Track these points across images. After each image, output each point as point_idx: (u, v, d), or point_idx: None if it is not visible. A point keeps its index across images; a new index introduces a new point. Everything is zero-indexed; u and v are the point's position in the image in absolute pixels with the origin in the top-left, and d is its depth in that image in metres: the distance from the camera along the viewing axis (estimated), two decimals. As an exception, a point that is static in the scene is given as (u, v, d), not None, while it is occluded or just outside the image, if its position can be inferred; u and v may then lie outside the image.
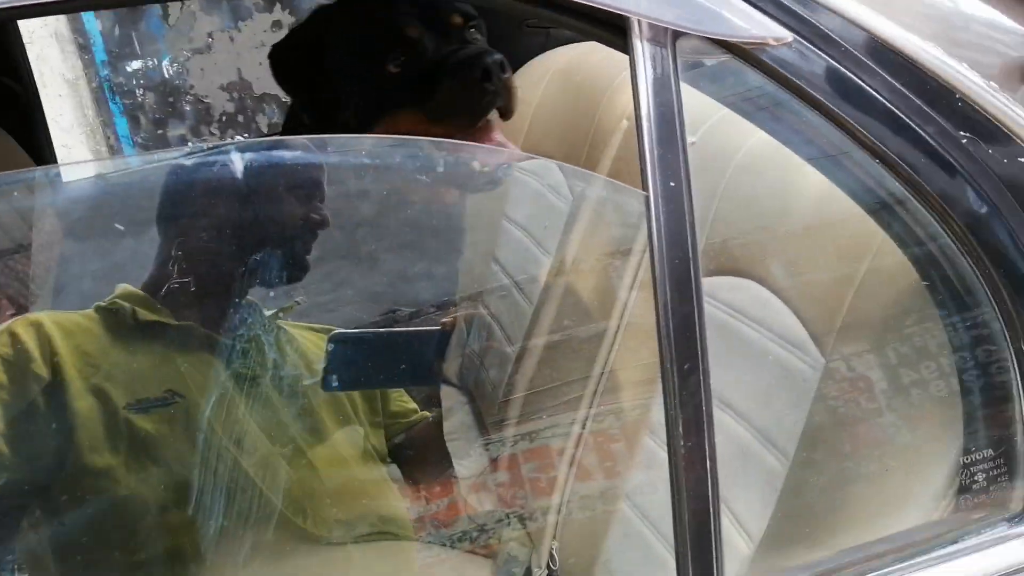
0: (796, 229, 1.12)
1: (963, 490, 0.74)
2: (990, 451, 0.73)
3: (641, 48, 0.68)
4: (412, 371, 1.46)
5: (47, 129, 2.18)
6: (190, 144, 3.02)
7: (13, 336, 0.98)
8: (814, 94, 0.69)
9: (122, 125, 2.93)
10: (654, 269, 0.68)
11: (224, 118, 3.02)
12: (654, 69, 0.68)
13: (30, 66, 2.08)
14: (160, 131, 2.96)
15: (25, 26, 2.13)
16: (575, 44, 2.16)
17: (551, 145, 1.99)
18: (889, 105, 0.69)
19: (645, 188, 0.68)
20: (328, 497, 1.32)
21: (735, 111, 0.76)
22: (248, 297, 1.14)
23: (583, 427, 1.56)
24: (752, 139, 1.22)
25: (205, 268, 1.04)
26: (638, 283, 1.53)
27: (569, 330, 1.75)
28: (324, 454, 1.30)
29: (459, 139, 1.09)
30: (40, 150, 2.13)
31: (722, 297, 1.32)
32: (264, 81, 3.06)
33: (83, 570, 0.94)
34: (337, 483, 1.34)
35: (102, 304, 1.05)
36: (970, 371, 0.78)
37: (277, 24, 3.03)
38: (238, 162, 0.89)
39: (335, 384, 1.25)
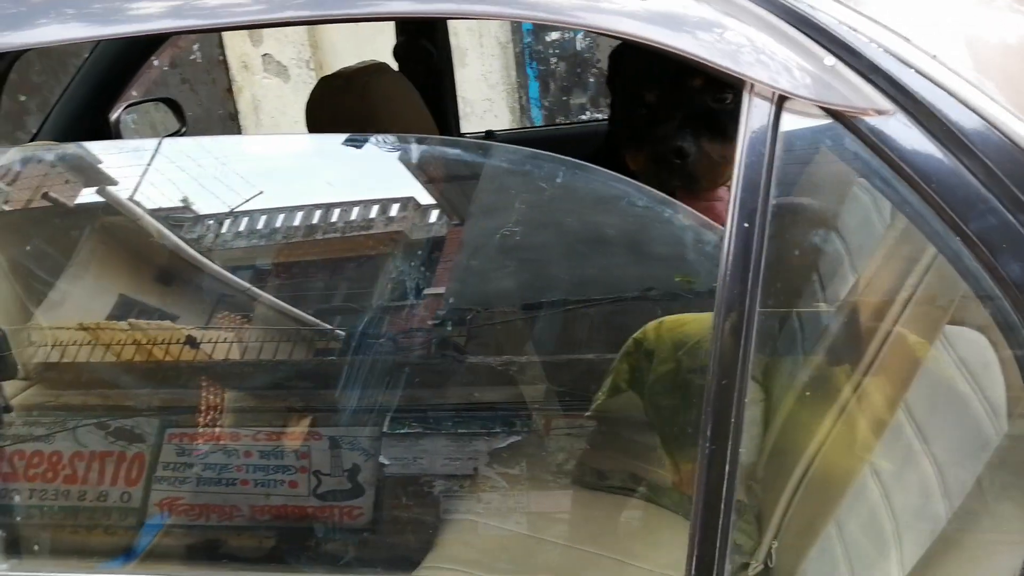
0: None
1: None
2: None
3: (748, 104, 0.78)
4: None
5: (454, 89, 2.51)
6: (588, 113, 3.31)
7: None
8: (904, 168, 0.74)
9: (534, 88, 3.30)
10: (719, 296, 0.78)
11: (621, 93, 3.25)
12: (755, 124, 0.77)
13: (447, 31, 2.40)
14: (565, 98, 3.29)
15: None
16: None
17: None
18: (982, 188, 0.72)
19: (723, 224, 0.78)
20: (590, 445, 1.49)
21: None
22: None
23: (824, 437, 1.58)
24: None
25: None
26: (903, 321, 1.51)
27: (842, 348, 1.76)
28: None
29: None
30: (444, 114, 2.46)
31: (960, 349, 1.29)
32: (663, 62, 3.23)
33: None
34: (598, 435, 1.49)
35: None
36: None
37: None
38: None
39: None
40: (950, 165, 0.73)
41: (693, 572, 0.79)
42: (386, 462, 1.43)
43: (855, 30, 0.76)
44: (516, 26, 3.32)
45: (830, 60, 0.76)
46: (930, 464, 1.19)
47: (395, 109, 2.04)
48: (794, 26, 0.77)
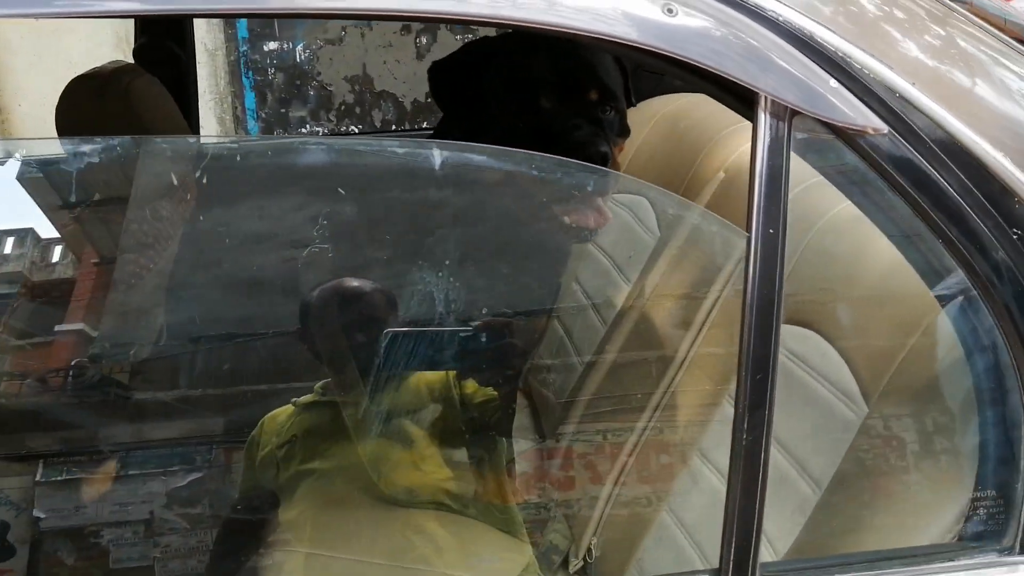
0: (863, 294, 1.27)
1: (967, 520, 0.89)
2: (993, 492, 0.87)
3: (764, 119, 0.85)
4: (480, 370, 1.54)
5: (196, 93, 2.39)
6: (308, 127, 3.24)
7: None
8: (898, 179, 0.85)
9: (250, 99, 3.17)
10: (744, 303, 0.84)
11: (343, 107, 3.25)
12: (771, 136, 0.84)
13: (194, 36, 2.29)
14: (283, 110, 3.20)
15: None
16: (684, 94, 2.33)
17: (647, 180, 2.14)
18: (958, 198, 0.85)
19: (748, 231, 0.84)
20: (401, 465, 1.49)
21: (830, 180, 0.92)
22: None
23: (638, 439, 1.71)
24: (839, 207, 1.37)
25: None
26: (711, 321, 1.68)
27: (638, 353, 1.91)
28: (403, 428, 1.48)
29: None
30: (188, 111, 2.33)
31: (788, 344, 1.47)
32: (385, 79, 3.29)
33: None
34: (408, 454, 1.50)
35: None
36: (989, 431, 0.92)
37: (406, 28, 3.25)
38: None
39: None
40: (933, 177, 0.85)
41: (731, 559, 0.83)
42: (41, 515, 1.32)
43: (849, 57, 0.86)
44: (230, 33, 3.17)
45: (834, 83, 0.85)
46: (780, 454, 1.34)
47: (155, 113, 1.97)
48: (800, 50, 0.85)
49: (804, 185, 1.59)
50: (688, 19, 0.83)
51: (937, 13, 0.91)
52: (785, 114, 0.84)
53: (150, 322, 1.37)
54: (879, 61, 0.86)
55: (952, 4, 0.93)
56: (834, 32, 0.86)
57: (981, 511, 0.87)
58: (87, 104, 1.81)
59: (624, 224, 2.16)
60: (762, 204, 0.84)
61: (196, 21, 3.12)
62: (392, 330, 1.32)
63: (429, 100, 3.36)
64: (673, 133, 2.21)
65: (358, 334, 1.41)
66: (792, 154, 0.84)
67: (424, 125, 3.28)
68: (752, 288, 0.83)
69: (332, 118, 3.26)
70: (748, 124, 2.07)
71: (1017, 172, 0.85)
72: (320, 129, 3.16)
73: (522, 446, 1.73)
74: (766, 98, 0.84)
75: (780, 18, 0.86)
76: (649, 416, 1.73)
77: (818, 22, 0.86)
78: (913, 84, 0.86)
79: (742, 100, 0.88)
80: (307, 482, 1.40)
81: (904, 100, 0.85)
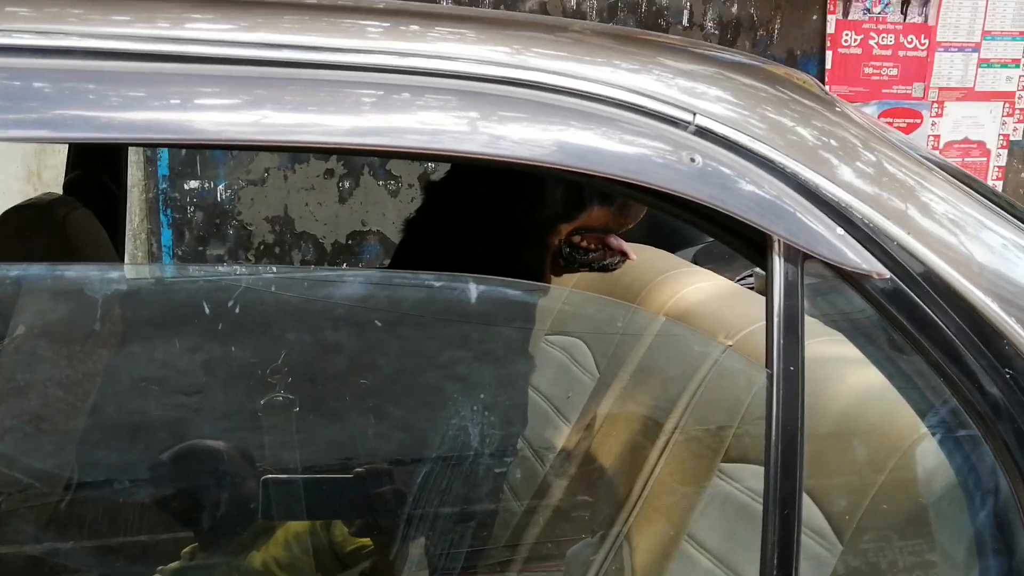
0: (829, 430, 1.32)
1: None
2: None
3: (778, 262, 0.89)
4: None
5: (125, 229, 2.34)
6: (225, 265, 3.19)
7: None
8: (899, 318, 0.91)
9: (167, 236, 3.11)
10: (768, 441, 0.86)
11: (262, 247, 3.23)
12: (786, 278, 0.89)
13: (127, 171, 2.26)
14: (201, 248, 3.15)
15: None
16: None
17: (580, 324, 2.18)
18: (954, 338, 0.91)
19: (769, 367, 0.88)
20: None
21: (823, 321, 0.96)
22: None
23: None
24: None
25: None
26: (665, 457, 1.70)
27: (582, 494, 1.90)
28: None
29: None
30: (117, 243, 2.29)
31: (745, 482, 1.50)
32: (306, 221, 3.30)
33: None
34: None
35: None
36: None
37: (330, 172, 3.29)
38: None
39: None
40: (931, 319, 0.91)
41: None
42: None
43: (851, 208, 0.92)
44: (150, 171, 3.14)
45: (840, 230, 0.91)
46: None
47: (91, 246, 1.93)
48: (808, 200, 0.91)
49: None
50: (710, 168, 0.89)
51: (922, 169, 0.99)
52: (798, 258, 0.89)
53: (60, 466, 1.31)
54: (878, 212, 0.93)
55: (936, 161, 1.01)
56: (836, 184, 0.93)
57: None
58: (23, 235, 1.76)
59: (560, 365, 2.18)
60: (781, 343, 0.87)
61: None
62: (265, 477, 1.30)
63: (350, 242, 3.38)
64: (606, 279, 2.28)
65: (214, 494, 1.37)
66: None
67: (344, 266, 3.28)
68: (776, 424, 0.86)
69: (251, 257, 3.23)
70: (684, 271, 2.15)
71: (1006, 317, 0.91)
72: (238, 269, 3.12)
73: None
74: (780, 242, 0.89)
75: (788, 170, 0.92)
76: (600, 564, 1.71)
77: (822, 175, 0.93)
78: (908, 233, 0.93)
79: (751, 245, 0.93)
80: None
81: (902, 248, 0.92)
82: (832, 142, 0.97)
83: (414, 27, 0.87)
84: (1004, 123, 4.83)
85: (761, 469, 1.44)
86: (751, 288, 2.09)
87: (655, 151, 0.88)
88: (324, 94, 0.81)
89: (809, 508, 1.36)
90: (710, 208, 0.90)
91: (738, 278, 2.22)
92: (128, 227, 3.18)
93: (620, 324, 2.03)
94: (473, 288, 1.11)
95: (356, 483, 1.32)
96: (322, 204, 3.32)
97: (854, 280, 0.91)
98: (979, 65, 4.71)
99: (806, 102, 1.01)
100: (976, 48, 4.67)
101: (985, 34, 4.68)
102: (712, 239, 2.51)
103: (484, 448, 1.44)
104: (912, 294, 0.91)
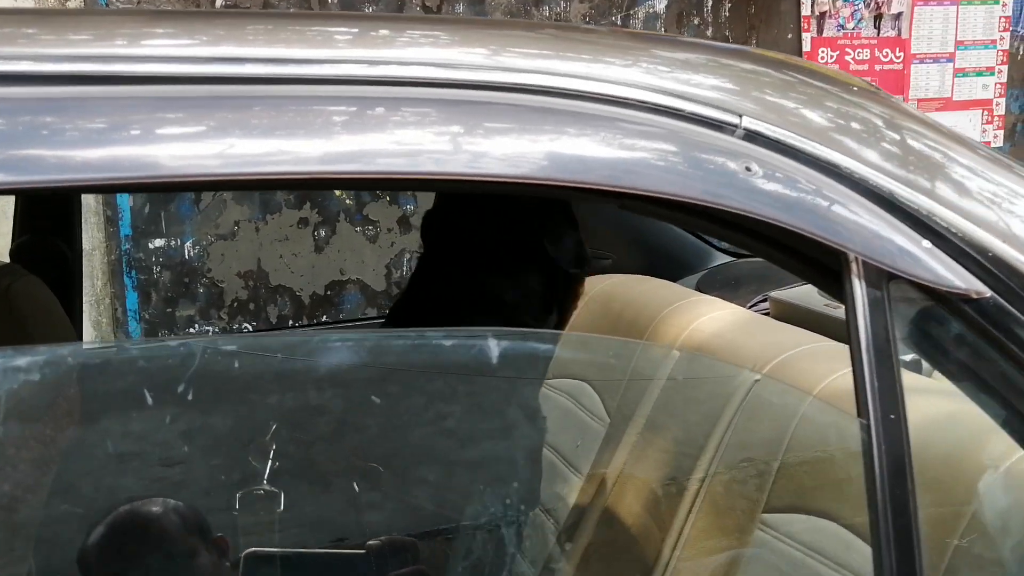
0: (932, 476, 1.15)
1: None
2: None
3: (859, 286, 0.74)
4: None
5: (81, 296, 2.19)
6: (196, 327, 3.02)
7: None
8: (1006, 342, 0.75)
9: (132, 299, 2.94)
10: (873, 499, 0.70)
11: (235, 304, 3.05)
12: (871, 306, 0.73)
13: (82, 234, 2.12)
14: (169, 309, 2.97)
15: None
16: (612, 275, 2.26)
17: (583, 367, 2.03)
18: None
19: (864, 416, 0.72)
20: None
21: (916, 351, 0.81)
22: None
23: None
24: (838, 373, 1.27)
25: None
26: (696, 510, 1.53)
27: (602, 558, 1.72)
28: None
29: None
30: (72, 311, 2.14)
31: (797, 536, 1.33)
32: (281, 274, 3.13)
33: None
34: None
35: None
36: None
37: (304, 221, 3.13)
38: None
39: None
40: (1042, 341, 0.75)
41: None
42: None
43: (935, 215, 0.77)
44: (111, 232, 2.97)
45: (926, 243, 0.76)
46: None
47: (41, 318, 1.77)
48: (884, 209, 0.76)
49: (799, 350, 1.52)
50: (770, 178, 0.74)
51: (1000, 167, 0.84)
52: (882, 280, 0.74)
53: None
54: (965, 219, 0.78)
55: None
56: (914, 189, 0.78)
57: None
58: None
59: (565, 411, 2.02)
60: (875, 386, 0.71)
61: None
62: (251, 551, 1.07)
63: (329, 292, 3.21)
64: (607, 313, 2.12)
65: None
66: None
67: (324, 319, 3.11)
68: (882, 485, 0.70)
69: (223, 316, 3.05)
70: (692, 300, 2.00)
71: None
72: (210, 328, 2.94)
73: None
74: (858, 262, 0.74)
75: (856, 175, 0.77)
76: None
77: (895, 179, 0.78)
78: (1004, 241, 0.78)
79: (820, 268, 0.78)
80: None
81: (999, 260, 0.77)
82: (896, 139, 0.82)
83: (384, 31, 0.74)
84: (984, 131, 4.78)
85: (816, 520, 1.29)
86: (766, 315, 1.95)
87: (704, 162, 0.72)
88: (293, 114, 0.68)
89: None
90: (769, 227, 0.74)
91: (749, 304, 2.07)
92: (90, 293, 3.00)
93: (630, 364, 1.88)
94: (492, 344, 0.95)
95: (370, 560, 1.09)
96: (297, 255, 3.16)
97: (948, 301, 0.75)
98: (955, 75, 4.67)
99: (853, 97, 0.87)
100: (951, 58, 4.63)
101: (958, 43, 4.64)
102: (731, 260, 2.35)
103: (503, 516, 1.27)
104: (1019, 313, 0.75)
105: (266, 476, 1.08)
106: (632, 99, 0.75)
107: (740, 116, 0.77)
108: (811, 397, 1.34)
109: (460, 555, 1.40)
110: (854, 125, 0.82)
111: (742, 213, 0.72)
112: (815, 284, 0.80)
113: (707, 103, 0.77)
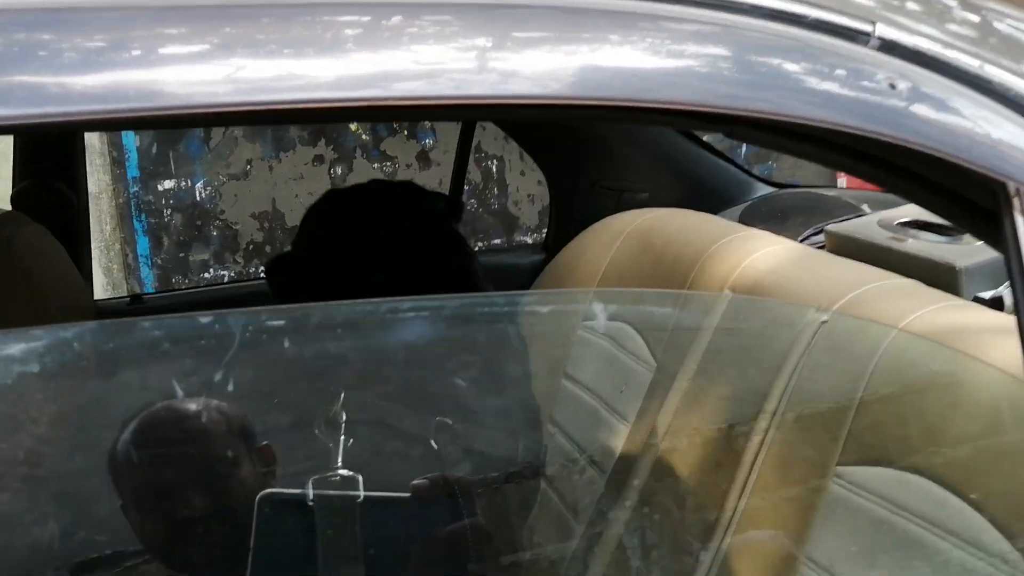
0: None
1: None
2: None
3: (1022, 224, 0.61)
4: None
5: (89, 241, 2.10)
6: (211, 271, 2.92)
7: None
8: None
9: (143, 244, 2.82)
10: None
11: (251, 247, 2.93)
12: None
13: (86, 177, 2.02)
14: (182, 254, 2.85)
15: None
16: (648, 209, 2.13)
17: (623, 309, 1.92)
18: None
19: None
20: None
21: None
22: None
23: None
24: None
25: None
26: (762, 458, 1.42)
27: (659, 511, 1.63)
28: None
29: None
30: (81, 259, 2.05)
31: (880, 490, 1.22)
32: (297, 214, 3.00)
33: None
34: None
35: None
36: None
37: (319, 159, 2.99)
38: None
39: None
40: None
41: None
42: None
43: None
44: (118, 174, 2.84)
45: (1102, 170, 0.63)
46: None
47: (46, 268, 1.71)
48: (1050, 130, 0.63)
49: (869, 287, 1.40)
50: (919, 97, 0.60)
51: None
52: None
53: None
54: None
55: None
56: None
57: None
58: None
59: (605, 355, 1.91)
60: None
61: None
62: (268, 492, 0.89)
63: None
64: (647, 250, 2.00)
65: (190, 491, 0.95)
66: None
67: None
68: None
69: (239, 259, 2.94)
70: (741, 235, 1.88)
71: None
72: (225, 273, 2.84)
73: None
74: (1021, 195, 0.61)
75: (1012, 92, 0.64)
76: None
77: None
78: None
79: (967, 205, 0.65)
80: None
81: None
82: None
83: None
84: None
85: (902, 474, 1.18)
86: (821, 248, 1.82)
87: (838, 79, 0.59)
88: (300, 28, 0.55)
89: (968, 519, 1.09)
90: (908, 156, 0.61)
91: (801, 238, 1.94)
92: (99, 239, 2.89)
93: (677, 305, 1.76)
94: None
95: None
96: (313, 194, 3.02)
97: None
98: None
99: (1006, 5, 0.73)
100: None
101: None
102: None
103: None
104: None
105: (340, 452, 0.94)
106: (745, 3, 0.61)
107: (873, 23, 0.63)
108: (896, 330, 1.22)
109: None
110: (1012, 34, 0.69)
111: (890, 142, 0.59)
112: (963, 225, 0.67)
113: (832, 8, 0.63)
